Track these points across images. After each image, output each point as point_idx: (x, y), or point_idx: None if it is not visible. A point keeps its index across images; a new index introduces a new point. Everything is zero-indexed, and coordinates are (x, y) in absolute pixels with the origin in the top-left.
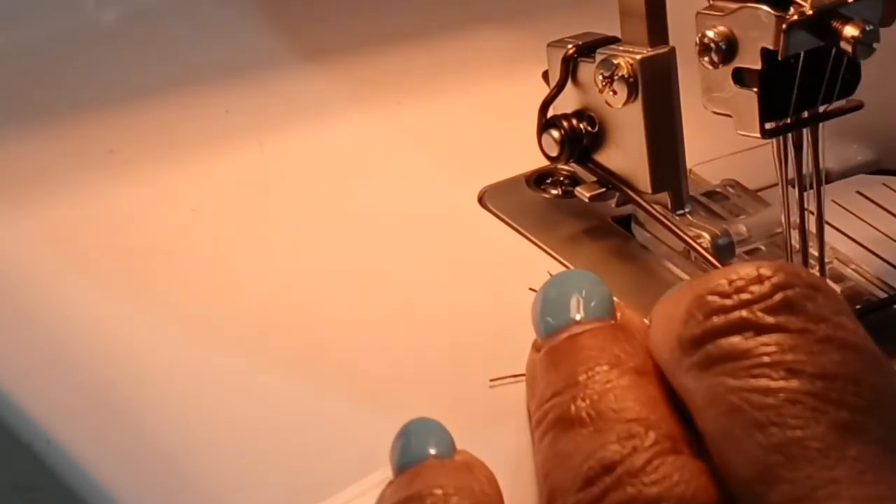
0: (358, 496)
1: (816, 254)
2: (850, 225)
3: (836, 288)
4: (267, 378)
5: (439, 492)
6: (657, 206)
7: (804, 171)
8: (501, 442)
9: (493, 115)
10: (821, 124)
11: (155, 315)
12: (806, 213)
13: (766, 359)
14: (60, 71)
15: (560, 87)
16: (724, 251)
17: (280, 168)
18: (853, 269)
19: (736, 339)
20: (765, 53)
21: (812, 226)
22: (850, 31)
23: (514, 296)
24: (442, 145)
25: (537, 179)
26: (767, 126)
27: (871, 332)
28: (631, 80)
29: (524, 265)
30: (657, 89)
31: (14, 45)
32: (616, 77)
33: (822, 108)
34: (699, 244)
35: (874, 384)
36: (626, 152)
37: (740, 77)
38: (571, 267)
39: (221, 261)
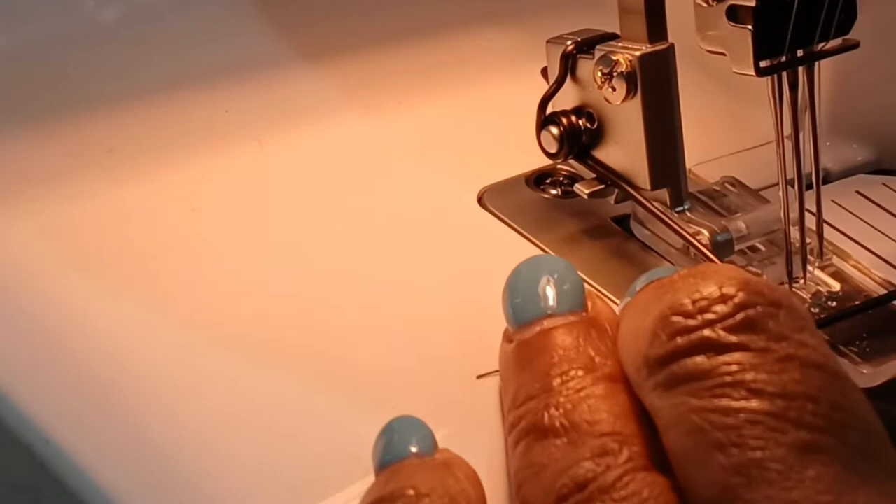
0: (358, 496)
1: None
2: (850, 224)
3: (836, 286)
4: (266, 377)
5: (411, 492)
6: (656, 203)
7: (802, 168)
8: (499, 440)
9: (493, 115)
10: (816, 64)
11: (154, 315)
12: (805, 211)
13: (727, 378)
14: (60, 71)
15: (559, 84)
16: (723, 248)
17: (279, 168)
18: (852, 266)
19: (699, 360)
20: None
21: (812, 223)
22: None
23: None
24: (442, 145)
25: (537, 179)
26: (762, 64)
27: (869, 330)
28: (630, 76)
29: None
30: (656, 86)
31: (14, 45)
32: (615, 73)
33: (818, 48)
34: (698, 241)
35: (834, 402)
36: (625, 149)
37: (734, 14)
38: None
39: (221, 260)
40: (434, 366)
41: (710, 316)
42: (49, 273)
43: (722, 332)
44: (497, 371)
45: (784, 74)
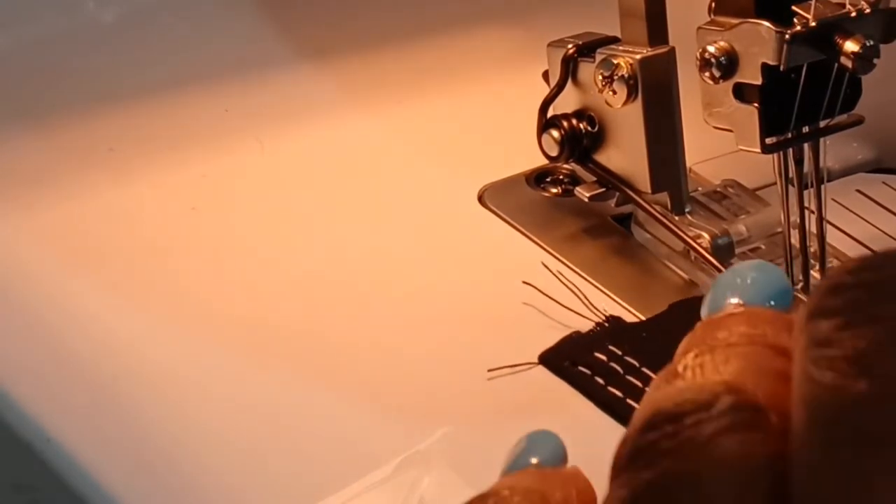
0: (358, 495)
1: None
2: (850, 223)
3: None
4: (266, 377)
5: (506, 492)
6: (657, 206)
7: (804, 170)
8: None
9: (493, 115)
10: (822, 138)
11: (155, 313)
12: (806, 212)
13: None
14: (60, 71)
15: (560, 87)
16: (724, 251)
17: (280, 167)
18: None
19: (834, 324)
20: (765, 69)
21: (812, 225)
22: (850, 46)
23: (514, 293)
24: (442, 144)
25: (537, 178)
26: (768, 141)
27: None
28: (631, 80)
29: (524, 264)
30: (657, 89)
31: (14, 45)
32: (616, 77)
33: (822, 123)
34: (699, 244)
35: None
36: (626, 152)
37: (741, 92)
38: (570, 265)
39: (221, 259)
40: (434, 364)
41: (864, 276)
42: (49, 272)
43: (873, 295)
44: (507, 367)
45: (789, 150)
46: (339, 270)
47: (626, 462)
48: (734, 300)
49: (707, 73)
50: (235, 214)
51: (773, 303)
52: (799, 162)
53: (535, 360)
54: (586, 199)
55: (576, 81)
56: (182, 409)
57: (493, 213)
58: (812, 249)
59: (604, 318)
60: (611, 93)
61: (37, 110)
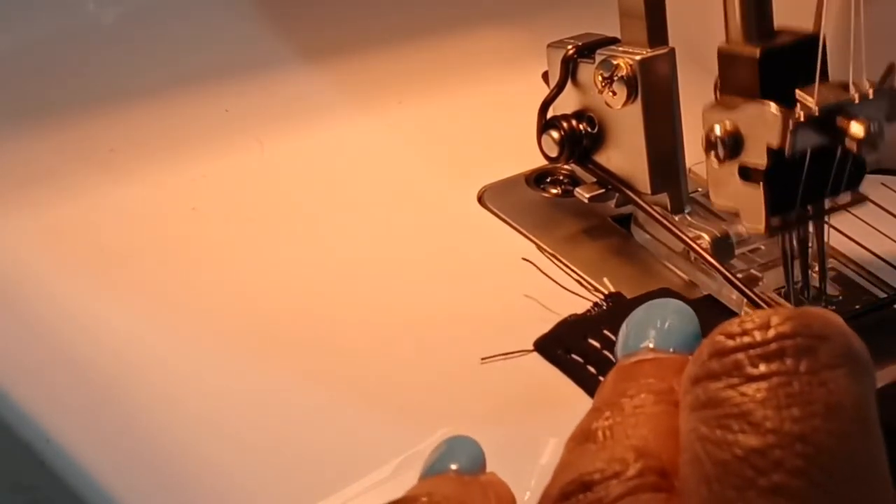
0: (358, 496)
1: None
2: (850, 225)
3: (836, 288)
4: (266, 377)
5: (425, 499)
6: (657, 207)
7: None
8: (503, 438)
9: (493, 115)
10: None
11: (155, 313)
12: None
13: (735, 409)
14: (60, 71)
15: (560, 88)
16: (724, 252)
17: (280, 167)
18: (853, 270)
19: (720, 386)
20: (770, 152)
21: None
22: (855, 130)
23: (514, 294)
24: (442, 145)
25: (537, 179)
26: (773, 223)
27: (870, 332)
28: (630, 80)
29: (523, 264)
30: (656, 90)
31: (14, 45)
32: (616, 78)
33: (827, 205)
34: (699, 245)
35: (823, 445)
36: (626, 153)
37: (746, 173)
38: (571, 265)
39: (221, 259)
40: (434, 364)
41: (747, 339)
42: (49, 272)
43: (753, 359)
44: (501, 355)
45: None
46: (339, 271)
47: None
48: (648, 344)
49: (712, 153)
50: (235, 215)
51: (682, 348)
52: (802, 241)
53: (531, 347)
54: (586, 200)
55: (575, 82)
56: (182, 409)
57: (492, 214)
58: (811, 249)
59: (602, 296)
60: (610, 93)
61: (37, 110)
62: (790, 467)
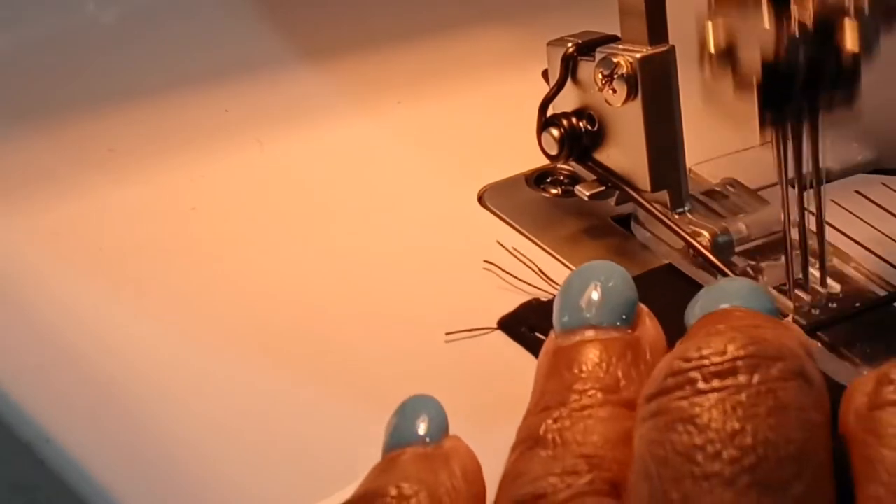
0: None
1: (817, 252)
2: (850, 224)
3: (836, 288)
4: (266, 377)
5: (394, 492)
6: (657, 205)
7: (804, 170)
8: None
9: (493, 115)
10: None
11: (154, 314)
12: (805, 212)
13: (682, 414)
14: (60, 71)
15: (560, 86)
16: (724, 249)
17: (279, 167)
18: (853, 268)
19: (672, 397)
20: (764, 64)
21: (812, 224)
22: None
23: (514, 294)
24: (442, 145)
25: (537, 178)
26: (766, 118)
27: (870, 332)
28: (630, 78)
29: (523, 264)
30: (657, 88)
31: (14, 45)
32: (616, 76)
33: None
34: (699, 242)
35: (761, 436)
36: (626, 151)
37: (740, 81)
38: (571, 265)
39: (221, 260)
40: (435, 365)
41: (704, 361)
42: (49, 272)
43: (707, 376)
44: (467, 330)
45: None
46: (338, 271)
47: None
48: (587, 317)
49: (706, 62)
50: (235, 214)
51: (623, 320)
52: (796, 137)
53: (494, 325)
54: (585, 198)
55: (575, 80)
56: (182, 409)
57: (492, 214)
58: (811, 247)
59: None
60: (611, 91)
61: (37, 110)
62: (726, 457)
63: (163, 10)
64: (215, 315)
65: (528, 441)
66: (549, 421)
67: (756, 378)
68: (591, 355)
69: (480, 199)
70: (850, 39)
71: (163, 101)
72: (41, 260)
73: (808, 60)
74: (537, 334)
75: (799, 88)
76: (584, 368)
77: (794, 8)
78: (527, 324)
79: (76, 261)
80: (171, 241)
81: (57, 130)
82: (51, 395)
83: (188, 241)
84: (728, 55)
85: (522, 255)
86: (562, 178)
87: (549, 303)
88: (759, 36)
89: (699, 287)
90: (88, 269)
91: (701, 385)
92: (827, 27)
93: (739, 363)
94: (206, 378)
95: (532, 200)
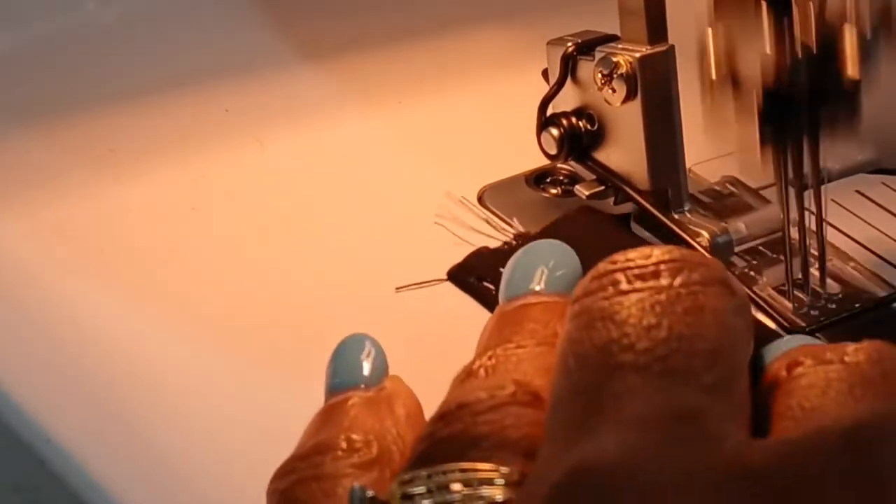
0: None
1: (816, 252)
2: (850, 224)
3: (836, 287)
4: (267, 377)
5: (344, 444)
6: (656, 205)
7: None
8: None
9: (493, 115)
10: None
11: (155, 314)
12: (805, 211)
13: (602, 313)
14: (60, 71)
15: (559, 86)
16: (724, 249)
17: (280, 167)
18: (853, 268)
19: (594, 298)
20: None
21: (812, 224)
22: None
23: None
24: (442, 145)
25: (537, 179)
26: (767, 136)
27: (870, 331)
28: (630, 78)
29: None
30: (656, 87)
31: (14, 45)
32: (615, 75)
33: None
34: (698, 242)
35: (675, 330)
36: (626, 150)
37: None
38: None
39: (221, 259)
40: (435, 365)
41: (629, 264)
42: (49, 272)
43: (630, 278)
44: (417, 284)
45: (789, 153)
46: (339, 271)
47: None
48: (533, 287)
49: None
50: (235, 214)
51: (567, 291)
52: (797, 143)
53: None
54: (585, 197)
55: (575, 80)
56: (182, 409)
57: (492, 214)
58: (811, 246)
59: (511, 236)
60: (610, 91)
61: (37, 110)
62: (640, 348)
63: (163, 11)
64: (215, 315)
65: (461, 377)
66: (484, 358)
67: (678, 280)
68: (532, 314)
69: (480, 199)
70: (851, 55)
71: (163, 101)
72: (41, 260)
73: (810, 77)
74: (486, 283)
75: (800, 107)
76: (525, 325)
77: (794, 9)
78: (475, 273)
79: (76, 261)
80: (171, 241)
81: (57, 130)
82: (51, 395)
83: (188, 241)
84: (729, 75)
85: (472, 203)
86: (561, 177)
87: (498, 250)
88: (759, 54)
89: None
90: (88, 268)
91: (623, 286)
92: (827, 41)
93: (663, 266)
94: (207, 378)
95: (532, 200)
